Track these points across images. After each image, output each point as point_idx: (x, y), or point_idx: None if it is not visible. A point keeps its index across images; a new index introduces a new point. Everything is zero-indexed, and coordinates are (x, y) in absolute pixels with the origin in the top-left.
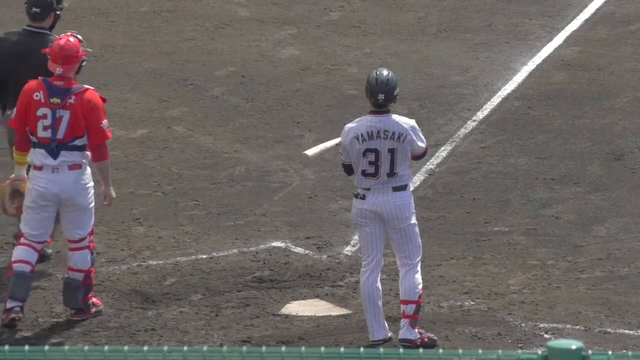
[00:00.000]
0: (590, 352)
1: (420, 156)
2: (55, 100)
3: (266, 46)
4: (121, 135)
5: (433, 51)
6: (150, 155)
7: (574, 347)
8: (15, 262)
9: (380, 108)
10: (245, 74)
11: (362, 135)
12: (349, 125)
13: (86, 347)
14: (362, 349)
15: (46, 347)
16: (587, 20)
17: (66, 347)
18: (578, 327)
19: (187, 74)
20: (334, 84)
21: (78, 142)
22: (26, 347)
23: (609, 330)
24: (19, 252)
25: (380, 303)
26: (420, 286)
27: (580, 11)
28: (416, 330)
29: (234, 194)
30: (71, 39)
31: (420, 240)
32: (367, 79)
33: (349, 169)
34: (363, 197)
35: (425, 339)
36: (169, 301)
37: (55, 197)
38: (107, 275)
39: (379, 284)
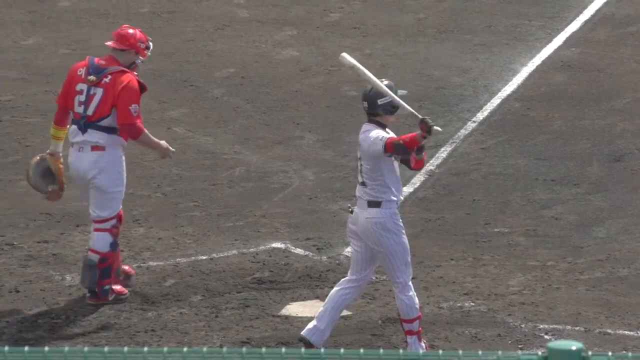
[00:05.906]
0: (590, 353)
1: (393, 150)
2: (92, 77)
3: (266, 47)
4: None
5: (433, 52)
6: (150, 156)
7: (574, 348)
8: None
9: (368, 116)
10: (245, 75)
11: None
12: None
13: (86, 348)
14: (362, 350)
15: (46, 348)
16: (586, 22)
17: (66, 348)
18: (578, 328)
19: (187, 75)
20: (333, 85)
21: (104, 123)
22: (26, 348)
23: (609, 331)
24: (91, 239)
25: (337, 315)
26: (417, 301)
27: (580, 12)
28: (422, 343)
29: (233, 195)
30: (139, 33)
31: (406, 258)
32: None
33: None
34: (351, 212)
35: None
36: (168, 302)
37: (79, 175)
38: None
39: (349, 301)
